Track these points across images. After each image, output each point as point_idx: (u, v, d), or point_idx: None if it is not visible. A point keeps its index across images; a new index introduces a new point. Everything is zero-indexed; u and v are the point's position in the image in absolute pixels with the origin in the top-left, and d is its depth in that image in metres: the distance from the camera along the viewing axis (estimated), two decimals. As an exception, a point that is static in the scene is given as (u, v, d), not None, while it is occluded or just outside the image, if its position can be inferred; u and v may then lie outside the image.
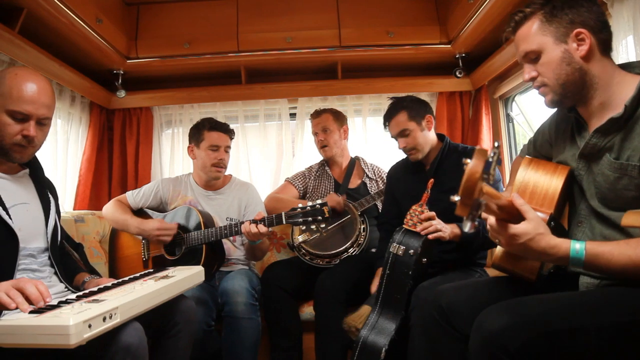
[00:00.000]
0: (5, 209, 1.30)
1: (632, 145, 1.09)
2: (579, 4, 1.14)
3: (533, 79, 1.22)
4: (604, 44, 1.15)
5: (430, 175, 1.95)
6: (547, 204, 1.22)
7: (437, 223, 1.76)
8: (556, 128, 1.36)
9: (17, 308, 1.07)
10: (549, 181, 1.24)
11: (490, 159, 0.87)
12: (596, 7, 1.15)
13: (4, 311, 1.19)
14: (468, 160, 0.87)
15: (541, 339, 0.98)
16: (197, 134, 2.32)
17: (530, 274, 1.21)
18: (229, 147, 2.33)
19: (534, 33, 1.17)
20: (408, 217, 1.81)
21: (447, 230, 1.77)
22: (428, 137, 2.04)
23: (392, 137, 2.09)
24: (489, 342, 1.00)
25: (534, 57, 1.19)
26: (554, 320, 1.01)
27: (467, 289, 1.33)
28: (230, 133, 2.34)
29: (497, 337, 0.99)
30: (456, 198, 0.87)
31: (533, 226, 1.07)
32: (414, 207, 1.81)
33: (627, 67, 1.18)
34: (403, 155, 2.17)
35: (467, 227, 0.89)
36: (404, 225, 1.80)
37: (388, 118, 2.07)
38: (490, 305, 1.12)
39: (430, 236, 1.73)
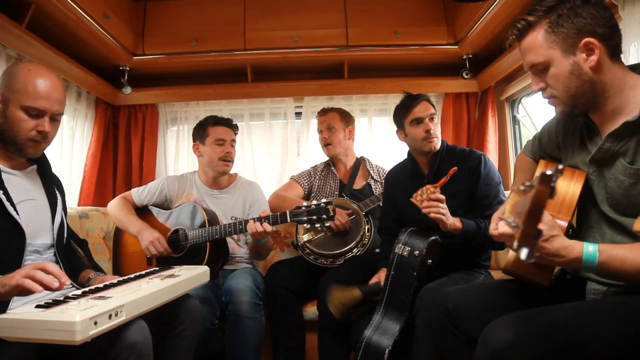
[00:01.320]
0: (12, 204, 1.30)
1: None
2: (586, 10, 1.08)
3: (542, 89, 1.18)
4: (614, 50, 1.11)
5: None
6: (564, 211, 1.19)
7: (443, 208, 1.72)
8: (564, 130, 1.32)
9: (44, 290, 1.08)
10: (566, 187, 1.21)
11: (553, 184, 0.80)
12: (604, 12, 1.09)
13: (11, 301, 1.19)
14: (527, 184, 0.81)
15: (549, 353, 0.97)
16: (201, 131, 2.32)
17: (542, 279, 1.19)
18: (234, 140, 2.33)
19: (540, 45, 1.12)
20: (419, 192, 1.77)
21: (450, 218, 1.74)
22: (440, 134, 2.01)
23: (416, 118, 1.94)
24: (496, 358, 0.98)
25: (541, 68, 1.15)
26: (561, 333, 0.99)
27: (474, 292, 1.33)
28: (234, 128, 2.34)
29: (503, 354, 0.97)
30: (508, 228, 0.81)
31: (547, 228, 1.02)
32: (427, 186, 1.76)
33: (637, 68, 1.15)
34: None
35: (524, 255, 0.81)
36: (411, 199, 1.77)
37: (416, 99, 1.96)
38: (498, 308, 1.10)
39: (431, 216, 1.70)
